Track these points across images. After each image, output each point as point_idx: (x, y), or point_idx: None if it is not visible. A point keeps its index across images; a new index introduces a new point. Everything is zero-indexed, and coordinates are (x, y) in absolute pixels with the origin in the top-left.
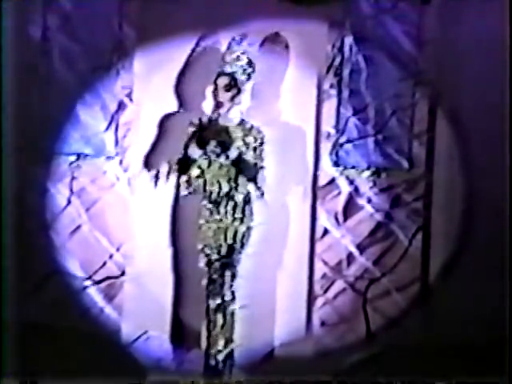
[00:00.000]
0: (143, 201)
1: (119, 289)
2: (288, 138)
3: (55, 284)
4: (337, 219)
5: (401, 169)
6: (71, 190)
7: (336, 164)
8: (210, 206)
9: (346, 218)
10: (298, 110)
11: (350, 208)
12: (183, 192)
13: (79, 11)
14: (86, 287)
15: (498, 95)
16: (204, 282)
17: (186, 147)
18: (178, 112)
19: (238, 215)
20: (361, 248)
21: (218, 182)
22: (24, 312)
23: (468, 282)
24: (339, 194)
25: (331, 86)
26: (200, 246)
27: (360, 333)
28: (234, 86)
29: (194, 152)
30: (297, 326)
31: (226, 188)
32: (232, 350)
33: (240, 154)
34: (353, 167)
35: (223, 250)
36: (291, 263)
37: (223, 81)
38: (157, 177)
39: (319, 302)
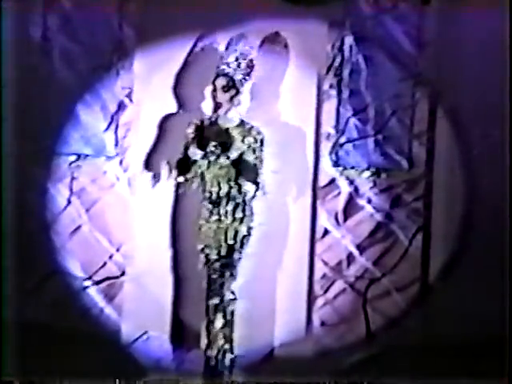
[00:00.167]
0: (143, 201)
1: (119, 289)
2: (288, 139)
3: (55, 284)
4: (337, 219)
5: (401, 169)
6: (71, 190)
7: (336, 164)
8: (210, 206)
9: (346, 219)
10: (297, 111)
11: (350, 208)
12: (181, 190)
13: (79, 11)
14: (86, 287)
15: (498, 95)
16: (204, 282)
17: (186, 148)
18: (177, 112)
19: (238, 215)
20: (361, 248)
21: (218, 182)
22: (24, 312)
23: (468, 282)
24: (339, 194)
25: (331, 86)
26: (200, 246)
27: (360, 333)
28: (232, 86)
29: (194, 153)
30: (297, 326)
31: (225, 188)
32: (232, 351)
33: (240, 155)
34: (353, 167)
35: (223, 251)
36: (291, 263)
37: (221, 82)
38: (155, 178)
39: (319, 302)
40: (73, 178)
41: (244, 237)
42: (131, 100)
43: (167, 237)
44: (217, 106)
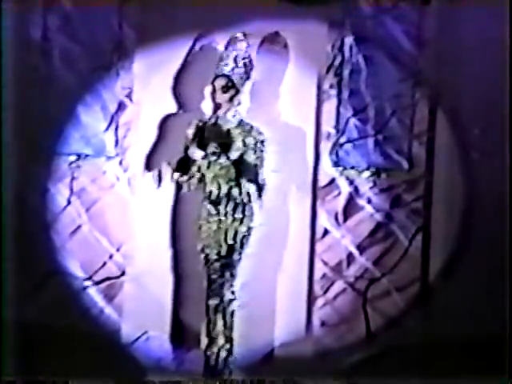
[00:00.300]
0: (143, 201)
1: (119, 289)
2: (288, 139)
3: (55, 284)
4: (337, 219)
5: (401, 169)
6: (71, 190)
7: (336, 164)
8: (210, 206)
9: (346, 219)
10: (297, 111)
11: (350, 208)
12: (182, 190)
13: (79, 12)
14: (86, 287)
15: (498, 95)
16: (204, 282)
17: (187, 148)
18: (177, 113)
19: (238, 215)
20: (361, 248)
21: (218, 182)
22: (24, 312)
23: (468, 282)
24: (339, 194)
25: (331, 86)
26: (200, 246)
27: (360, 333)
28: (231, 87)
29: (194, 153)
30: (297, 326)
31: (225, 188)
32: (232, 351)
33: (241, 155)
34: (353, 167)
35: (223, 251)
36: (291, 263)
37: (220, 82)
38: (159, 177)
39: (319, 302)
40: (73, 178)
41: (244, 237)
42: (131, 100)
43: (167, 237)
44: (216, 106)
